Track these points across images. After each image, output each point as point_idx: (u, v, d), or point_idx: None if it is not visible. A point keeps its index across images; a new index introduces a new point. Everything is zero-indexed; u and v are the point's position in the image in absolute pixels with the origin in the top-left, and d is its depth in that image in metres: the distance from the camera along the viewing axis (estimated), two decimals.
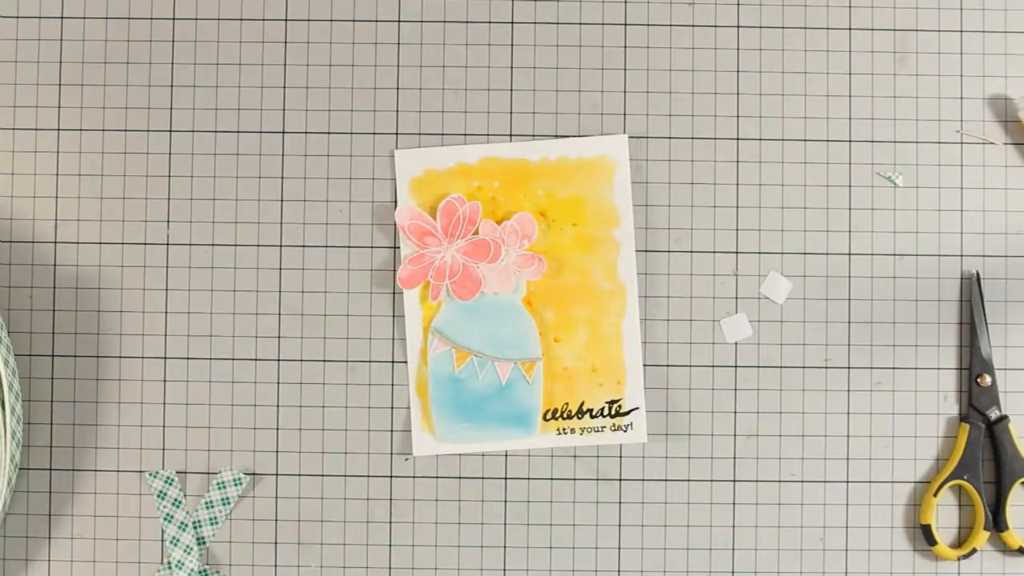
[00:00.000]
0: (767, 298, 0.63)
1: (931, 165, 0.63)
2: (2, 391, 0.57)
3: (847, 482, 0.63)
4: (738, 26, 0.64)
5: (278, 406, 0.63)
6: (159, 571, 0.62)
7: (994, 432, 0.62)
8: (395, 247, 0.63)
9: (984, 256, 0.63)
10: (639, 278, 0.63)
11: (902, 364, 0.63)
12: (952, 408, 0.63)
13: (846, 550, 0.63)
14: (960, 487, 0.63)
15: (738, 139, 0.63)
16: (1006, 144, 0.63)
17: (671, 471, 0.63)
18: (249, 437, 0.63)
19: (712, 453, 0.63)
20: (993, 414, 0.62)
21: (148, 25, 0.64)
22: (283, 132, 0.63)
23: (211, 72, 0.63)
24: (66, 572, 0.63)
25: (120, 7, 0.64)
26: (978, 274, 0.63)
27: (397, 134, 0.63)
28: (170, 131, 0.63)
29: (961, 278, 0.63)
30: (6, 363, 0.58)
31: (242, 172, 0.63)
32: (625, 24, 0.64)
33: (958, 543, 0.63)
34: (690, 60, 0.63)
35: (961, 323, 0.63)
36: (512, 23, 0.64)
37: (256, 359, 0.63)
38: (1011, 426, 0.62)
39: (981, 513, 0.62)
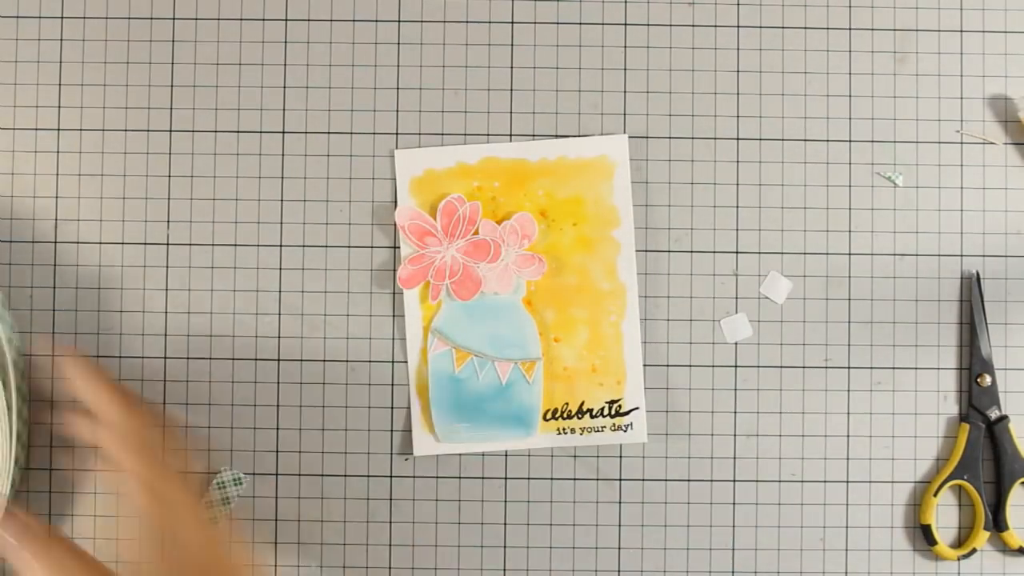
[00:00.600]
0: (767, 298, 0.63)
1: (931, 165, 0.63)
2: (10, 394, 0.57)
3: (847, 482, 0.63)
4: (738, 26, 0.64)
5: (278, 406, 0.63)
6: None
7: (994, 432, 0.62)
8: (395, 247, 0.63)
9: (984, 256, 0.63)
10: (639, 278, 0.63)
11: (902, 364, 0.63)
12: (952, 408, 0.63)
13: (846, 550, 0.63)
14: (960, 487, 0.63)
15: (738, 139, 0.63)
16: (1006, 144, 0.63)
17: (671, 471, 0.63)
18: (249, 437, 0.63)
19: (712, 453, 0.63)
20: (993, 414, 0.62)
21: (148, 25, 0.64)
22: (283, 132, 0.63)
23: (211, 72, 0.63)
24: None
25: (120, 7, 0.64)
26: (978, 274, 0.63)
27: (397, 134, 0.63)
28: (170, 131, 0.63)
29: (961, 278, 0.63)
30: (16, 366, 0.58)
31: (242, 172, 0.63)
32: (625, 24, 0.64)
33: (958, 543, 0.63)
34: (690, 60, 0.63)
35: (961, 323, 0.63)
36: (512, 23, 0.64)
37: (256, 359, 0.63)
38: (1011, 426, 0.62)
39: (981, 513, 0.62)
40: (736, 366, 0.63)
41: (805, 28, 0.64)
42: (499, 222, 0.62)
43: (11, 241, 0.63)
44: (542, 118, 0.63)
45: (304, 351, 0.63)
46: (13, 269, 0.63)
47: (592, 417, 0.62)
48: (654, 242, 0.63)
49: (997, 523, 0.62)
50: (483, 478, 0.63)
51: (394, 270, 0.63)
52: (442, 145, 0.63)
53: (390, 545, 0.63)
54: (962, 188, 0.63)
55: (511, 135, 0.63)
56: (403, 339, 0.63)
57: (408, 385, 0.63)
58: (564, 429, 0.63)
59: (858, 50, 0.64)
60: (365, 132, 0.63)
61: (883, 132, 0.63)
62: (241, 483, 0.62)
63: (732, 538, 0.63)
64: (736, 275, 0.63)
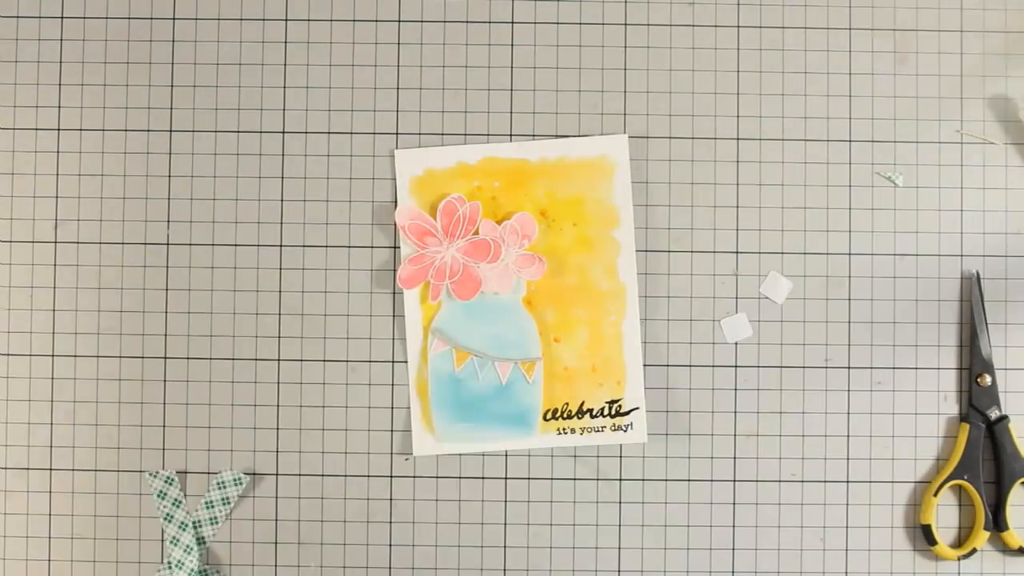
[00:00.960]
0: (767, 298, 0.63)
1: (931, 165, 0.63)
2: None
3: (847, 482, 0.63)
4: (738, 26, 0.64)
5: (278, 406, 0.63)
6: (159, 571, 0.62)
7: (994, 432, 0.62)
8: (395, 247, 0.63)
9: (984, 256, 0.63)
10: (639, 278, 0.63)
11: (902, 364, 0.63)
12: (952, 408, 0.63)
13: (846, 550, 0.63)
14: (960, 487, 0.63)
15: (738, 139, 0.63)
16: (1006, 144, 0.63)
17: (671, 471, 0.63)
18: (249, 437, 0.63)
19: (712, 453, 0.63)
20: (993, 414, 0.62)
21: (148, 25, 0.64)
22: (283, 132, 0.63)
23: (211, 72, 0.63)
24: (66, 572, 0.63)
25: (120, 7, 0.64)
26: (978, 274, 0.63)
27: (397, 134, 0.63)
28: (170, 131, 0.63)
29: (961, 278, 0.63)
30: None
31: (242, 172, 0.63)
32: (625, 24, 0.64)
33: (958, 543, 0.63)
34: (690, 60, 0.63)
35: (961, 323, 0.63)
36: (512, 23, 0.64)
37: (256, 359, 0.63)
38: (1011, 426, 0.62)
39: (981, 513, 0.62)
40: (736, 366, 0.63)
41: (805, 28, 0.64)
42: (499, 222, 0.62)
43: (11, 241, 0.63)
44: (542, 118, 0.63)
45: (304, 351, 0.63)
46: (13, 269, 0.63)
47: (592, 417, 0.62)
48: (654, 242, 0.63)
49: (997, 523, 0.62)
50: (483, 478, 0.63)
51: (394, 270, 0.63)
52: (442, 145, 0.63)
53: (390, 545, 0.63)
54: (962, 188, 0.63)
55: (511, 135, 0.63)
56: (403, 339, 0.63)
57: (408, 385, 0.63)
58: (564, 429, 0.63)
59: (858, 50, 0.64)
60: (365, 132, 0.63)
61: (883, 132, 0.63)
62: (241, 483, 0.62)
63: (732, 538, 0.63)
64: (736, 275, 0.63)
